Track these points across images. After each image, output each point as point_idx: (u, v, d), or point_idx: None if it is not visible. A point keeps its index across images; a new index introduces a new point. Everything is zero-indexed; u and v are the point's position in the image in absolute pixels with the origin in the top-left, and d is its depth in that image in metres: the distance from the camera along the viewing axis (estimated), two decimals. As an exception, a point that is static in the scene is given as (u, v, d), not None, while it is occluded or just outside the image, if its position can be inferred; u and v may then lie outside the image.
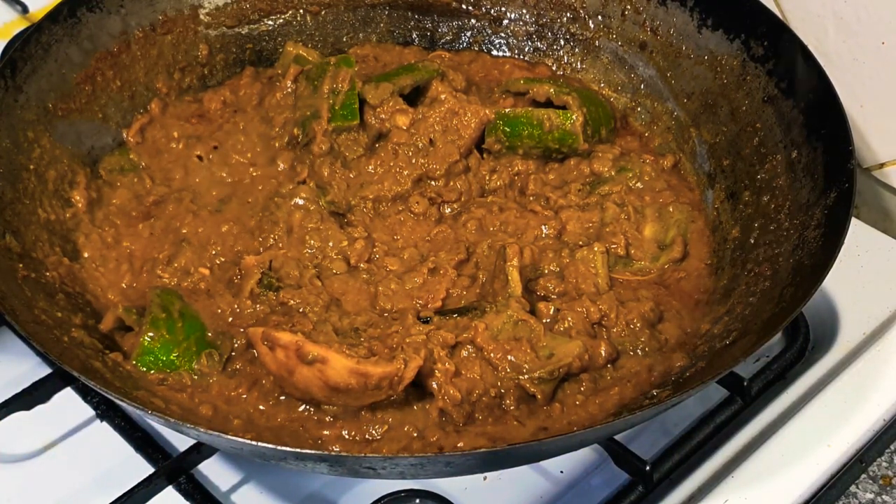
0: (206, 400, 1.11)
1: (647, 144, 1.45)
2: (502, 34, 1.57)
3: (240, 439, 0.95)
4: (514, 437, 1.08)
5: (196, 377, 1.13)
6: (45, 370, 1.22)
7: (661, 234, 1.30)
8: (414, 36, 1.59)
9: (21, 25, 1.73)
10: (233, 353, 1.16)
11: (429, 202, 1.33)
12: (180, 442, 1.19)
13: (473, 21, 1.58)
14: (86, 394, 1.22)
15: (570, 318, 1.17)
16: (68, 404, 1.21)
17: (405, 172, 1.32)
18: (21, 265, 1.16)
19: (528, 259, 1.22)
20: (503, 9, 1.56)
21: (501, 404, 1.11)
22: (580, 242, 1.27)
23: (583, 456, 1.20)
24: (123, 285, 1.25)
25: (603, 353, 1.15)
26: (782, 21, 1.37)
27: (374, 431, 1.08)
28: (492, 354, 1.11)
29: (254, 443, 0.95)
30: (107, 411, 1.21)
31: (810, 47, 1.28)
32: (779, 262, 1.18)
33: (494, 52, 1.58)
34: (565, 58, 1.54)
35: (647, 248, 1.28)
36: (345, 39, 1.58)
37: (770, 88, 1.31)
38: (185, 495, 1.13)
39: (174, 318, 1.15)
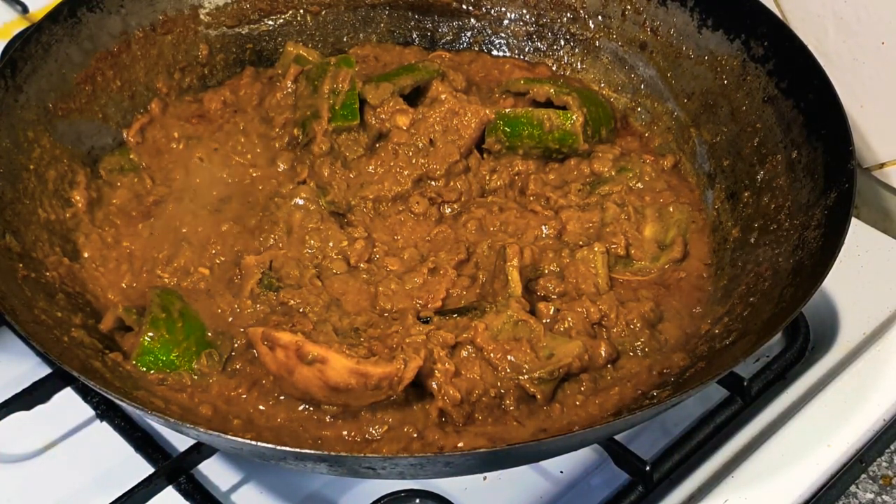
0: (205, 400, 1.12)
1: (647, 144, 1.45)
2: (502, 34, 1.57)
3: (240, 439, 0.95)
4: (513, 437, 1.08)
5: (196, 377, 1.13)
6: (45, 370, 1.22)
7: (661, 234, 1.29)
8: (414, 36, 1.59)
9: (21, 25, 1.73)
10: (233, 353, 1.16)
11: (429, 202, 1.33)
12: (180, 442, 1.19)
13: (474, 21, 1.58)
14: (86, 394, 1.22)
15: (570, 319, 1.17)
16: (68, 404, 1.21)
17: (405, 172, 1.32)
18: (21, 265, 1.16)
19: (528, 259, 1.22)
20: (503, 9, 1.56)
21: (501, 404, 1.11)
22: (580, 242, 1.27)
23: (583, 456, 1.20)
24: (123, 285, 1.25)
25: (603, 353, 1.15)
26: (782, 21, 1.37)
27: (373, 431, 1.08)
28: (492, 354, 1.11)
29: (254, 443, 0.95)
30: (107, 411, 1.21)
31: (810, 47, 1.28)
32: (779, 262, 1.18)
33: (495, 53, 1.58)
34: (565, 58, 1.54)
35: (647, 249, 1.28)
36: (345, 39, 1.58)
37: (770, 88, 1.31)
38: (185, 495, 1.13)
39: (174, 318, 1.15)
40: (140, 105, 1.43)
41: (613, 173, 1.36)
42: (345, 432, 1.08)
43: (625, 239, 1.27)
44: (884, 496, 1.16)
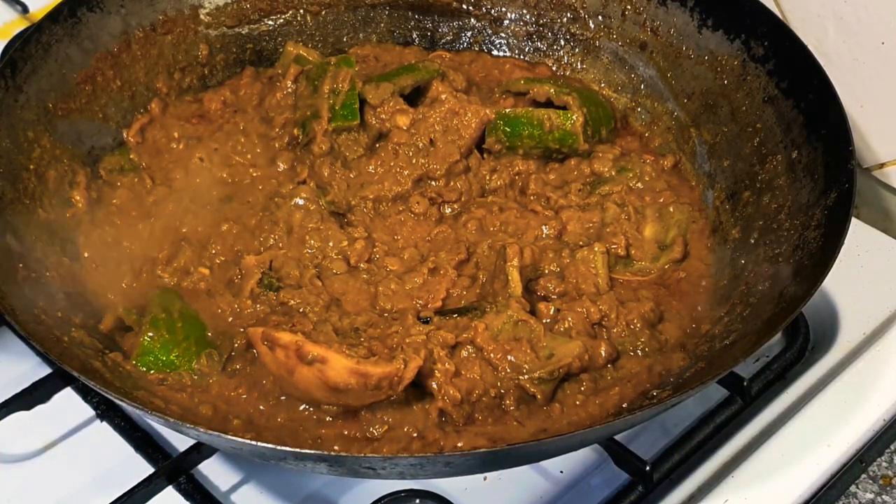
0: (205, 400, 1.12)
1: (647, 144, 1.45)
2: (503, 34, 1.57)
3: (240, 439, 0.95)
4: (513, 437, 1.08)
5: (196, 377, 1.13)
6: (45, 370, 1.22)
7: (661, 234, 1.29)
8: (414, 36, 1.59)
9: (21, 25, 1.73)
10: (233, 353, 1.16)
11: (429, 202, 1.33)
12: (180, 442, 1.19)
13: (474, 21, 1.58)
14: (86, 394, 1.22)
15: (570, 319, 1.17)
16: (68, 404, 1.21)
17: (405, 172, 1.32)
18: (21, 265, 1.16)
19: (528, 259, 1.22)
20: (503, 9, 1.56)
21: (501, 404, 1.11)
22: (580, 242, 1.27)
23: (583, 456, 1.20)
24: (123, 285, 1.25)
25: (603, 353, 1.15)
26: (782, 21, 1.37)
27: (373, 431, 1.08)
28: (492, 355, 1.11)
29: (254, 443, 0.95)
30: (107, 411, 1.21)
31: (810, 47, 1.28)
32: (779, 262, 1.18)
33: (495, 52, 1.58)
34: (565, 58, 1.54)
35: (647, 249, 1.28)
36: (345, 39, 1.58)
37: (770, 88, 1.31)
38: (185, 495, 1.13)
39: (174, 318, 1.15)
40: (140, 105, 1.43)
41: (613, 173, 1.36)
42: (345, 432, 1.08)
43: (625, 239, 1.27)
44: (884, 496, 1.16)
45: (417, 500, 1.07)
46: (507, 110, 1.37)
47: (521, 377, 1.10)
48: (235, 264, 1.24)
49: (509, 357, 1.11)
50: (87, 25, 1.36)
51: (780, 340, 1.29)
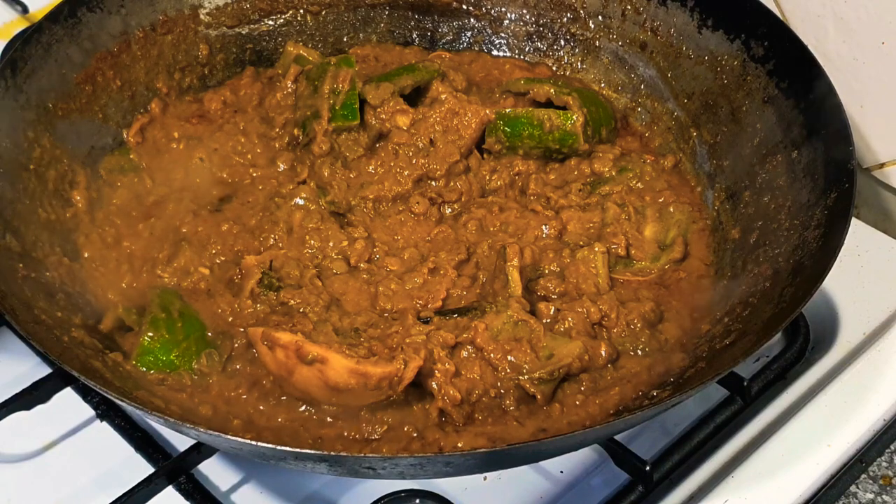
0: (205, 400, 1.12)
1: (647, 144, 1.46)
2: (503, 34, 1.57)
3: (240, 439, 0.95)
4: (513, 437, 1.08)
5: (196, 377, 1.13)
6: (45, 370, 1.22)
7: (661, 234, 1.30)
8: (414, 36, 1.59)
9: (21, 25, 1.73)
10: (233, 353, 1.16)
11: (429, 202, 1.33)
12: (180, 442, 1.19)
13: (474, 21, 1.58)
14: (86, 394, 1.22)
15: (570, 319, 1.17)
16: (68, 404, 1.21)
17: (405, 172, 1.32)
18: (21, 265, 1.16)
19: (528, 259, 1.22)
20: (503, 9, 1.56)
21: (501, 405, 1.11)
22: (581, 242, 1.27)
23: (583, 456, 1.19)
24: (123, 285, 1.25)
25: (603, 353, 1.15)
26: (782, 21, 1.37)
27: (373, 431, 1.08)
28: (492, 355, 1.11)
29: (254, 443, 0.95)
30: (107, 411, 1.21)
31: (810, 47, 1.28)
32: (779, 262, 1.18)
33: (495, 53, 1.58)
34: (565, 58, 1.54)
35: (647, 249, 1.28)
36: (345, 39, 1.58)
37: (770, 88, 1.31)
38: (185, 495, 1.13)
39: (174, 318, 1.15)
40: (140, 105, 1.43)
41: (614, 173, 1.36)
42: (345, 432, 1.08)
43: (625, 239, 1.27)
44: (884, 496, 1.16)
45: (417, 500, 1.07)
46: (507, 110, 1.37)
47: (521, 377, 1.10)
48: (235, 264, 1.24)
49: (509, 357, 1.11)
50: (87, 25, 1.36)
51: (780, 340, 1.29)
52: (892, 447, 1.20)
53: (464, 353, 1.12)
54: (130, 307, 1.19)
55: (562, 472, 1.19)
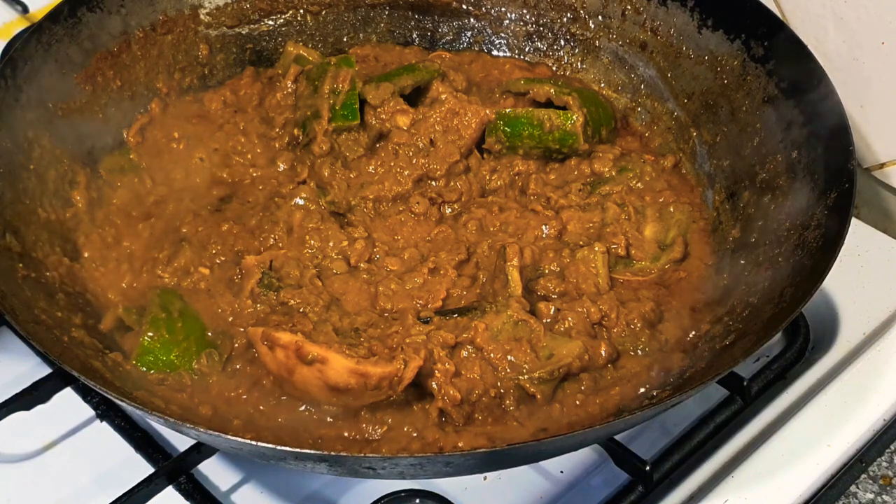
0: (205, 400, 1.12)
1: (647, 144, 1.46)
2: (503, 34, 1.57)
3: (240, 439, 0.95)
4: (513, 437, 1.08)
5: (196, 377, 1.13)
6: (45, 370, 1.22)
7: (661, 234, 1.30)
8: (414, 36, 1.59)
9: (21, 25, 1.73)
10: (233, 353, 1.16)
11: (429, 202, 1.33)
12: (180, 442, 1.19)
13: (474, 21, 1.58)
14: (86, 394, 1.22)
15: (570, 319, 1.17)
16: (68, 404, 1.21)
17: (406, 172, 1.32)
18: (21, 265, 1.16)
19: (528, 259, 1.22)
20: (504, 9, 1.56)
21: (501, 405, 1.11)
22: (581, 242, 1.27)
23: (583, 456, 1.19)
24: (123, 285, 1.25)
25: (603, 353, 1.15)
26: (782, 21, 1.37)
27: (373, 431, 1.08)
28: (492, 355, 1.11)
29: (254, 443, 0.95)
30: (107, 411, 1.21)
31: (810, 47, 1.28)
32: (779, 262, 1.18)
33: (495, 52, 1.58)
34: (565, 58, 1.54)
35: (647, 249, 1.28)
36: (345, 39, 1.58)
37: (770, 88, 1.31)
38: (185, 495, 1.13)
39: (174, 317, 1.15)
40: (140, 105, 1.43)
41: (614, 173, 1.36)
42: (345, 432, 1.08)
43: (625, 239, 1.27)
44: (884, 496, 1.16)
45: (417, 500, 1.07)
46: (507, 110, 1.37)
47: (521, 377, 1.10)
48: (235, 264, 1.24)
49: (509, 357, 1.11)
50: (87, 25, 1.36)
51: (780, 340, 1.29)
52: (892, 447, 1.20)
53: (464, 353, 1.12)
54: (130, 307, 1.19)
55: (562, 472, 1.19)
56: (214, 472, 1.18)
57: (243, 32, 1.53)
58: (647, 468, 1.12)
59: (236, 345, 1.17)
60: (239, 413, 1.11)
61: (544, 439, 1.03)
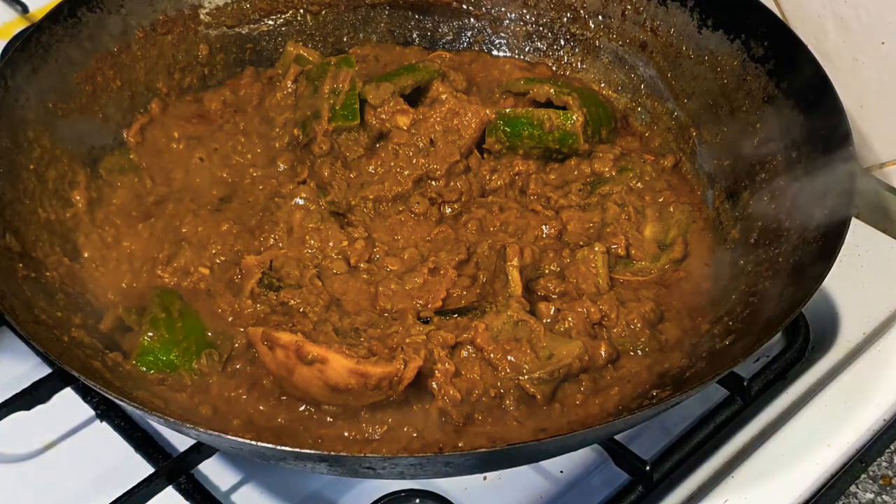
0: (205, 400, 1.12)
1: (647, 144, 1.46)
2: (503, 34, 1.57)
3: (240, 439, 0.95)
4: (513, 437, 1.08)
5: (196, 377, 1.13)
6: (45, 370, 1.22)
7: (661, 234, 1.29)
8: (414, 36, 1.59)
9: (21, 25, 1.73)
10: (233, 353, 1.16)
11: (429, 202, 1.33)
12: (180, 442, 1.19)
13: (474, 21, 1.58)
14: (86, 394, 1.22)
15: (570, 319, 1.17)
16: (68, 404, 1.21)
17: (406, 172, 1.32)
18: (21, 265, 1.16)
19: (528, 259, 1.22)
20: (503, 9, 1.56)
21: (501, 405, 1.11)
22: (581, 242, 1.27)
23: (583, 456, 1.19)
24: (123, 285, 1.25)
25: (603, 353, 1.15)
26: (782, 21, 1.37)
27: (373, 431, 1.08)
28: (492, 355, 1.11)
29: (254, 443, 0.95)
30: (107, 411, 1.21)
31: (810, 47, 1.28)
32: (779, 262, 1.18)
33: (495, 52, 1.58)
34: (565, 58, 1.54)
35: (647, 249, 1.28)
36: (345, 39, 1.58)
37: (770, 88, 1.31)
38: (185, 495, 1.13)
39: (174, 317, 1.15)
40: (140, 105, 1.43)
41: (614, 173, 1.36)
42: (345, 432, 1.08)
43: (625, 239, 1.27)
44: (884, 496, 1.16)
45: (417, 500, 1.07)
46: (507, 110, 1.37)
47: (520, 377, 1.10)
48: (235, 264, 1.24)
49: (509, 357, 1.11)
50: (87, 25, 1.36)
51: (780, 340, 1.29)
52: (892, 447, 1.20)
53: (464, 353, 1.12)
54: (130, 307, 1.19)
55: (562, 472, 1.19)
56: (214, 472, 1.18)
57: (243, 32, 1.53)
58: (647, 468, 1.12)
59: (236, 345, 1.17)
60: (239, 413, 1.11)
61: (544, 439, 1.04)
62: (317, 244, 1.26)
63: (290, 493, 1.18)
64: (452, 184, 1.34)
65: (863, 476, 1.17)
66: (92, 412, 1.22)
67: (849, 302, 1.32)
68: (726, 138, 1.36)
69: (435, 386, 1.08)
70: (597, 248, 1.23)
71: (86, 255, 1.27)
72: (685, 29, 1.42)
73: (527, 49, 1.57)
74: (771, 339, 1.05)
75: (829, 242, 1.12)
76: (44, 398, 1.19)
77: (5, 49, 1.39)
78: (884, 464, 1.18)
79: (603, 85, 1.52)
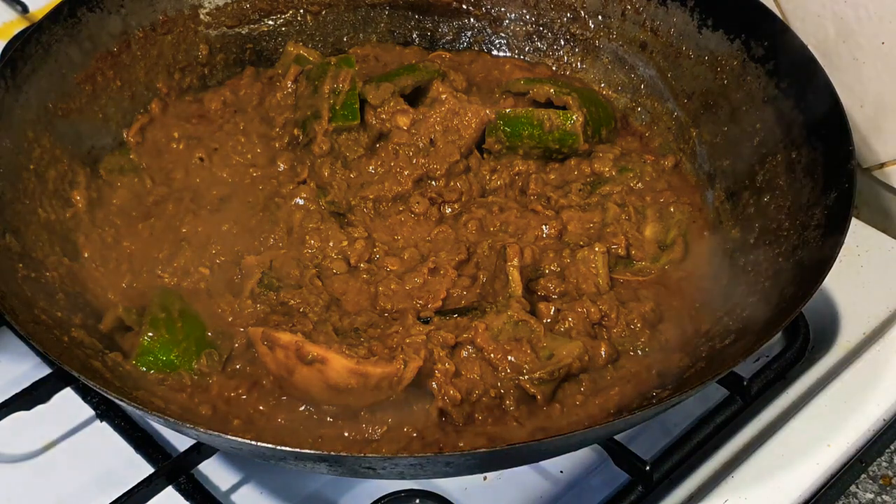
0: (205, 400, 1.12)
1: (647, 144, 1.46)
2: (503, 34, 1.57)
3: (240, 439, 0.95)
4: (513, 437, 1.08)
5: (196, 377, 1.13)
6: (45, 370, 1.22)
7: (661, 234, 1.30)
8: (414, 36, 1.59)
9: (21, 25, 1.73)
10: (233, 353, 1.16)
11: (429, 202, 1.33)
12: (180, 442, 1.19)
13: (474, 21, 1.58)
14: (86, 394, 1.22)
15: (570, 319, 1.17)
16: (68, 404, 1.21)
17: (406, 172, 1.32)
18: (21, 265, 1.16)
19: (528, 259, 1.22)
20: (503, 9, 1.56)
21: (501, 405, 1.11)
22: (581, 242, 1.27)
23: (583, 456, 1.20)
24: (123, 285, 1.25)
25: (603, 353, 1.15)
26: (782, 21, 1.37)
27: (373, 431, 1.08)
28: (492, 355, 1.11)
29: (254, 443, 0.95)
30: (107, 411, 1.21)
31: (810, 47, 1.28)
32: (779, 262, 1.18)
33: (495, 52, 1.58)
34: (565, 58, 1.54)
35: (647, 249, 1.28)
36: (345, 39, 1.58)
37: (770, 89, 1.31)
38: (185, 495, 1.13)
39: (174, 318, 1.15)
40: (140, 105, 1.43)
41: (614, 173, 1.36)
42: (345, 432, 1.08)
43: (625, 239, 1.27)
44: (884, 496, 1.16)
45: (417, 500, 1.07)
46: (507, 110, 1.37)
47: (521, 377, 1.10)
48: (235, 264, 1.24)
49: (509, 357, 1.11)
50: (87, 25, 1.36)
51: (780, 340, 1.29)
52: (892, 447, 1.20)
53: (464, 353, 1.12)
54: (130, 307, 1.19)
55: (562, 472, 1.19)
56: (214, 472, 1.18)
57: (243, 32, 1.53)
58: (647, 468, 1.12)
59: (236, 345, 1.17)
60: (239, 413, 1.11)
61: (544, 439, 1.03)
62: (317, 244, 1.26)
63: (290, 493, 1.18)
64: (452, 184, 1.34)
65: (863, 476, 1.17)
66: (92, 412, 1.22)
67: (849, 302, 1.32)
68: (726, 138, 1.36)
69: (435, 386, 1.08)
70: (597, 249, 1.23)
71: (86, 255, 1.27)
72: (685, 29, 1.42)
73: (527, 49, 1.57)
74: (771, 339, 1.05)
75: (829, 242, 1.12)
76: (44, 398, 1.19)
77: (5, 49, 1.39)
78: (884, 464, 1.18)
79: (603, 85, 1.52)
